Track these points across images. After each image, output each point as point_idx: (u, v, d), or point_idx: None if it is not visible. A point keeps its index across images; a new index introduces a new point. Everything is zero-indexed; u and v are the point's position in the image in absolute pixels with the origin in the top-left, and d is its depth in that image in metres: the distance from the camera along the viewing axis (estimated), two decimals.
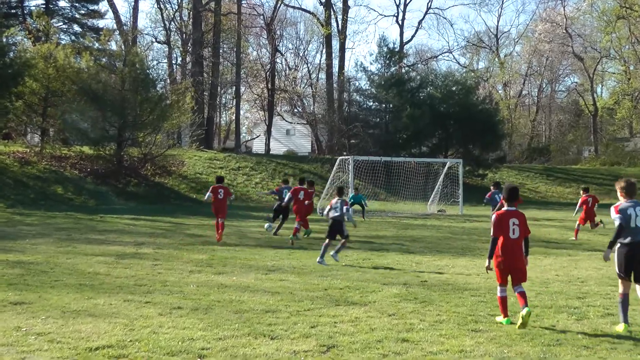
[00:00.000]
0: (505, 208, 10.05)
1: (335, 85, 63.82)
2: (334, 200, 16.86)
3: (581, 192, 26.02)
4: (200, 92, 54.82)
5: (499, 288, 10.03)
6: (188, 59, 59.13)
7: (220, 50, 63.28)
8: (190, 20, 58.92)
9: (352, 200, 32.11)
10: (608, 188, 57.08)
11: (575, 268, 15.96)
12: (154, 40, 64.28)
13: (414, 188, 40.08)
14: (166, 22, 62.50)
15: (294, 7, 75.61)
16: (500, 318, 9.97)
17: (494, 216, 10.03)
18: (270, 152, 63.85)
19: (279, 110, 73.88)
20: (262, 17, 67.86)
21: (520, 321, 9.33)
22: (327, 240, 16.44)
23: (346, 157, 37.58)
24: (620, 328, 9.57)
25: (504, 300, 9.96)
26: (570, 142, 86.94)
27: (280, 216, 23.97)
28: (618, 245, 9.76)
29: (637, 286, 9.73)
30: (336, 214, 16.50)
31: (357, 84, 65.58)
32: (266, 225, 23.62)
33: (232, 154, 52.73)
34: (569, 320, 10.08)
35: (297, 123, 68.36)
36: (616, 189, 10.09)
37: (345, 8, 66.54)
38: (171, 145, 45.59)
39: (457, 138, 57.14)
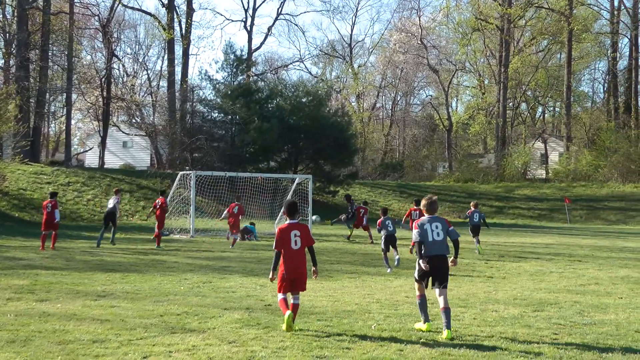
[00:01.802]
0: (287, 222, 11.53)
1: (177, 94, 63.42)
2: (382, 219, 21.39)
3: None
4: (26, 98, 52.97)
5: (279, 295, 11.39)
6: (12, 61, 57.00)
7: (49, 53, 61.36)
8: (15, 18, 56.84)
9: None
10: (462, 206, 59.47)
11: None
12: None
13: (261, 205, 40.27)
14: None
15: (132, 8, 74.80)
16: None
17: (277, 230, 11.56)
18: (105, 166, 62.54)
19: (115, 121, 72.58)
20: (97, 17, 66.29)
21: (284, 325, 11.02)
22: (385, 253, 21.12)
23: (188, 172, 37.29)
24: (423, 327, 11.38)
25: (284, 301, 11.29)
26: (424, 157, 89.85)
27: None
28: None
29: (436, 290, 11.42)
30: (390, 230, 21.28)
31: (201, 94, 65.38)
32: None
33: (61, 167, 51.25)
34: (417, 344, 10.39)
35: (135, 134, 67.21)
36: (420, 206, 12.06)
37: (190, 11, 66.40)
38: None
39: (308, 153, 57.88)
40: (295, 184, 41.29)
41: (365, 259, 24.04)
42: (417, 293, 11.74)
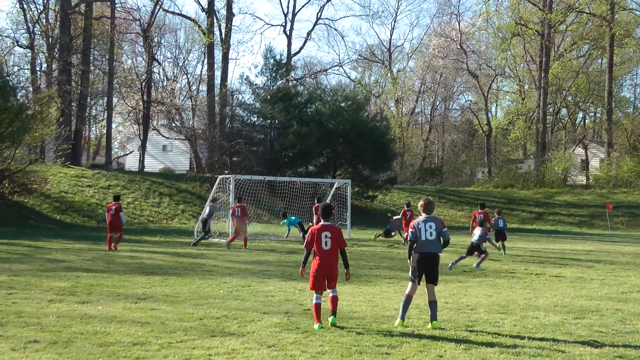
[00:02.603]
0: (321, 223, 12.08)
1: (217, 98, 63.74)
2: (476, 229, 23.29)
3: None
4: (68, 102, 53.62)
5: (314, 295, 11.90)
6: (54, 65, 57.70)
7: (91, 57, 62.17)
8: (58, 23, 57.50)
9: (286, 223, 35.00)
10: (503, 211, 59.00)
11: (465, 295, 16.39)
12: (15, 43, 62.42)
13: (300, 210, 40.31)
14: (29, 24, 60.82)
15: (173, 13, 75.36)
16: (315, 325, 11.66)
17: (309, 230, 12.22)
18: (145, 170, 63.02)
19: (155, 124, 73.12)
20: (138, 22, 66.89)
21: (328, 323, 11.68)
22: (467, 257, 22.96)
23: (227, 175, 37.43)
24: (396, 322, 12.18)
25: (317, 307, 11.75)
26: (463, 162, 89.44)
27: None
28: (413, 252, 12.40)
29: (428, 286, 12.32)
30: (475, 238, 22.82)
31: (240, 98, 65.60)
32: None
33: (102, 171, 51.78)
34: (457, 350, 10.33)
35: (175, 138, 67.76)
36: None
37: (229, 15, 66.70)
38: (33, 160, 44.38)
39: (346, 157, 57.89)
40: (334, 188, 41.29)
41: (403, 264, 23.90)
42: (406, 292, 12.46)
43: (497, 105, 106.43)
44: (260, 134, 60.38)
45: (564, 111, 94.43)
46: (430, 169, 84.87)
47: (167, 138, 68.44)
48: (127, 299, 14.34)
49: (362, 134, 55.37)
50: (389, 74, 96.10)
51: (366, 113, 62.48)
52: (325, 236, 11.89)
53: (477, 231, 23.11)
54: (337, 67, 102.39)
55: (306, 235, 12.15)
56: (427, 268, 12.26)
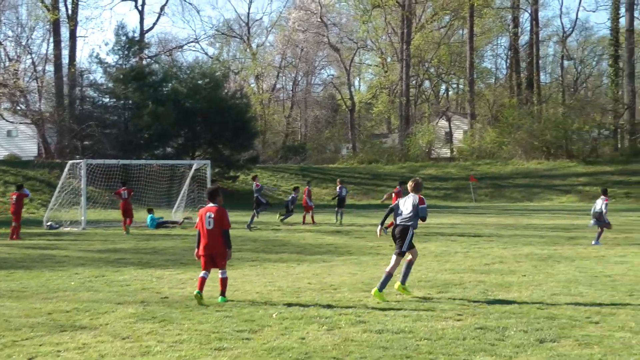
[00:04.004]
0: (208, 205, 13.27)
1: (65, 79, 62.06)
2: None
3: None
4: None
5: (202, 272, 13.03)
6: None
7: None
8: None
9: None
10: (366, 188, 60.16)
11: (329, 275, 16.59)
12: None
13: (157, 194, 39.80)
14: None
15: None
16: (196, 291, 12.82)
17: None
18: None
19: None
20: None
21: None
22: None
23: (78, 160, 36.50)
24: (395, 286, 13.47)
25: (202, 280, 12.91)
26: (327, 139, 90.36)
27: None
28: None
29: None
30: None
31: (91, 78, 64.43)
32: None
33: None
34: (320, 331, 10.44)
35: (20, 123, 65.45)
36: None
37: None
38: None
39: (206, 137, 57.64)
40: (193, 170, 40.85)
41: (266, 246, 24.01)
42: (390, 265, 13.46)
43: (360, 79, 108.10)
44: (114, 116, 59.31)
45: (426, 83, 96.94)
46: (294, 146, 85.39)
47: (12, 123, 66.06)
48: None
49: (221, 113, 55.18)
50: (248, 50, 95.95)
51: (225, 90, 62.35)
52: (209, 217, 12.95)
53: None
54: (193, 44, 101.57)
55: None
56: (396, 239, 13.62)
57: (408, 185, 13.97)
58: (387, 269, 13.22)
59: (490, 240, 25.30)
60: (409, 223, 13.39)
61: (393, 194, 29.50)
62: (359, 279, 15.63)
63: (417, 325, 10.69)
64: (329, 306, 12.42)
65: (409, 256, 13.51)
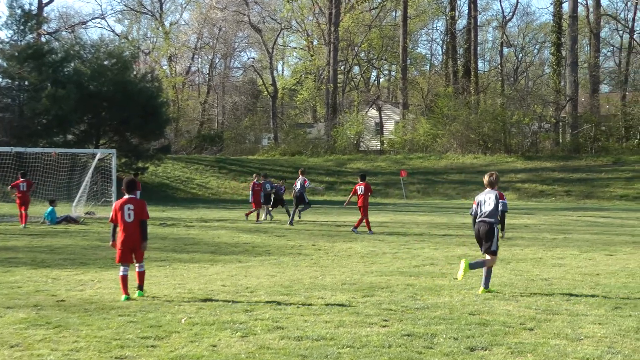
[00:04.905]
0: (125, 196, 13.75)
1: None
2: None
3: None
4: None
5: (121, 267, 13.65)
6: None
7: None
8: None
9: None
10: (289, 182, 60.14)
11: (245, 276, 16.55)
12: None
13: (56, 186, 39.20)
14: None
15: None
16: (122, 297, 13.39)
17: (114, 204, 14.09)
18: None
19: None
20: None
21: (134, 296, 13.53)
22: None
23: None
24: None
25: (124, 279, 13.51)
26: (246, 128, 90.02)
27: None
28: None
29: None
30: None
31: None
32: None
33: None
34: (233, 338, 10.40)
35: None
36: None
37: None
38: None
39: (112, 124, 57.18)
40: (96, 159, 40.31)
41: (177, 245, 23.85)
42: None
43: (283, 63, 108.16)
44: (7, 98, 58.04)
45: (356, 69, 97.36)
46: (210, 135, 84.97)
47: None
48: None
49: (129, 97, 54.63)
50: (160, 28, 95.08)
51: (134, 72, 61.76)
52: (129, 209, 13.60)
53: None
54: (98, 20, 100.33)
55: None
56: (481, 238, 14.55)
57: (484, 180, 14.72)
58: (484, 267, 14.32)
59: (421, 240, 25.54)
60: (492, 220, 14.31)
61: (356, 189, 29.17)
62: (277, 281, 15.62)
63: (339, 332, 10.72)
64: (244, 311, 12.39)
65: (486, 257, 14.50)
